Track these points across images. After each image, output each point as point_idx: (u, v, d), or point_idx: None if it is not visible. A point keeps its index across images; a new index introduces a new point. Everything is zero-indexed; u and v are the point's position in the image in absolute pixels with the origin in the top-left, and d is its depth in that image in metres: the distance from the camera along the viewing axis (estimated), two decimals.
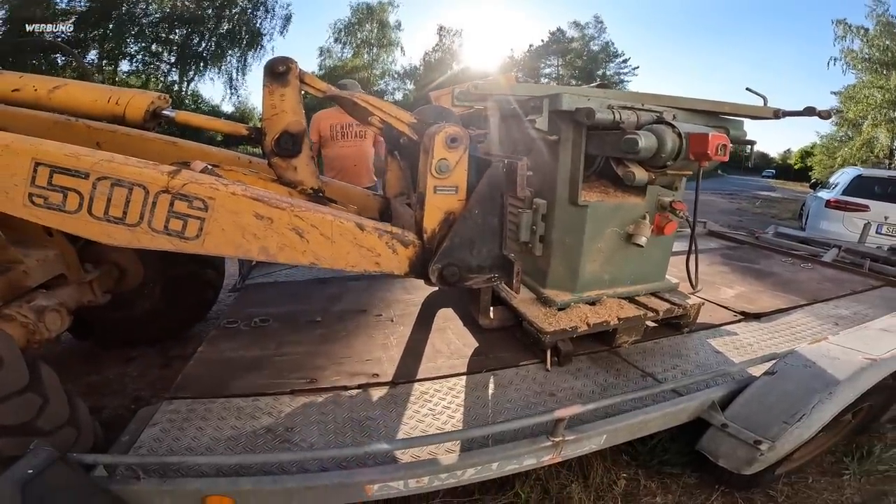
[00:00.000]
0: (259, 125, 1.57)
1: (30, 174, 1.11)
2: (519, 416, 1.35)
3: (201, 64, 20.62)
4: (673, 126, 1.44)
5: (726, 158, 1.39)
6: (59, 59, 16.90)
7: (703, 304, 2.01)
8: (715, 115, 1.80)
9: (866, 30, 16.22)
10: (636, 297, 1.89)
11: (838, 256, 3.35)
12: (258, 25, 21.29)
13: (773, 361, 1.59)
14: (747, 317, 2.17)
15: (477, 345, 1.84)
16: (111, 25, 17.83)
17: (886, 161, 16.00)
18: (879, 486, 1.71)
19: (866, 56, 16.28)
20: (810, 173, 22.87)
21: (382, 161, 3.60)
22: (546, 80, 31.80)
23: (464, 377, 1.61)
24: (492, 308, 1.94)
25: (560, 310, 1.74)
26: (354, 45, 25.72)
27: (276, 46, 21.76)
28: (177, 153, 1.83)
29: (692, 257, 1.82)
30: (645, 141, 1.40)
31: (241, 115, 23.22)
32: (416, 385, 1.56)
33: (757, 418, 1.41)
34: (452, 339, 1.89)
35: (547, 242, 1.78)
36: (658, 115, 1.56)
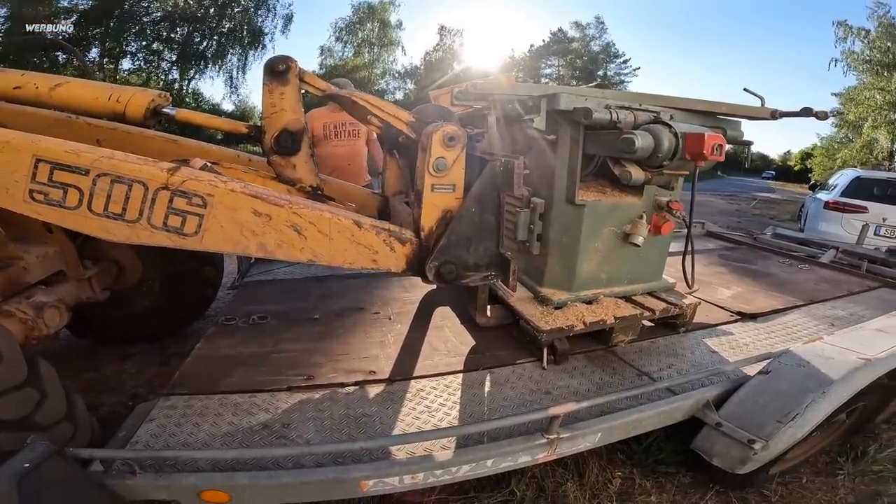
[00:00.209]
0: (259, 123, 1.58)
1: (30, 170, 1.12)
2: (514, 414, 1.36)
3: (202, 63, 20.65)
4: (669, 126, 1.45)
5: (722, 158, 1.40)
6: (61, 57, 16.92)
7: (700, 304, 2.02)
8: (712, 115, 1.80)
9: (867, 31, 16.23)
10: (633, 297, 1.90)
11: (836, 258, 3.35)
12: (260, 24, 21.34)
13: (768, 361, 1.60)
14: (744, 317, 2.18)
15: (474, 343, 1.85)
16: (112, 23, 17.84)
17: (886, 163, 16.00)
18: (873, 486, 1.72)
19: (867, 58, 16.28)
20: (810, 175, 22.87)
21: (375, 160, 3.61)
22: (546, 80, 31.81)
23: (460, 375, 1.62)
24: (489, 306, 1.95)
25: (557, 308, 1.75)
26: (355, 44, 25.74)
27: (278, 45, 21.85)
28: (177, 151, 1.84)
29: (688, 257, 1.82)
30: (641, 141, 1.41)
31: (241, 114, 23.24)
32: (413, 382, 1.57)
33: (751, 417, 1.42)
34: (449, 336, 1.90)
35: (544, 241, 1.79)
36: (655, 115, 1.57)
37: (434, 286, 1.88)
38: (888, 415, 1.98)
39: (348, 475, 1.14)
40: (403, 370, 1.63)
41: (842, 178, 6.11)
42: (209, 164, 1.47)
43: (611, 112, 1.49)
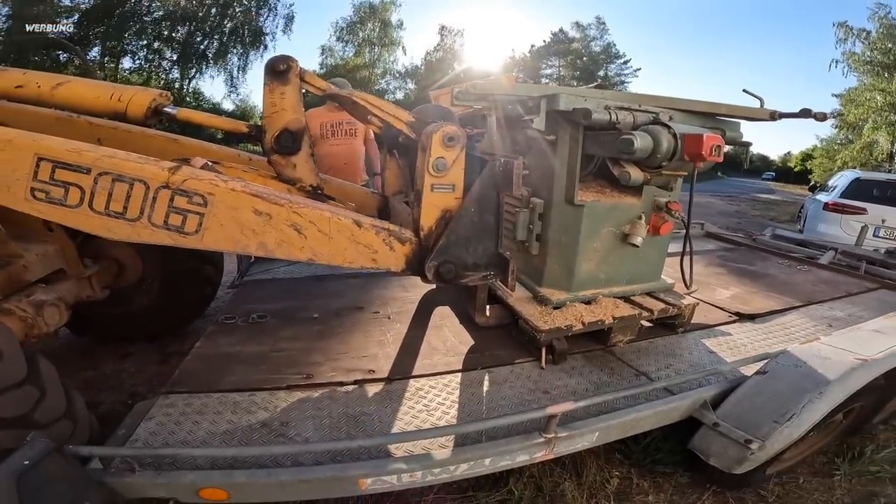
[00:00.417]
0: (259, 123, 1.58)
1: (32, 169, 1.12)
2: (512, 413, 1.36)
3: (203, 62, 20.66)
4: (668, 127, 1.46)
5: (720, 159, 1.41)
6: (62, 56, 16.92)
7: (698, 304, 2.03)
8: (712, 116, 1.81)
9: (868, 32, 16.25)
10: (631, 297, 1.90)
11: (835, 259, 3.36)
12: (261, 24, 21.34)
13: (766, 361, 1.60)
14: (742, 317, 2.19)
15: (473, 342, 1.85)
16: (113, 22, 17.84)
17: (886, 164, 16.01)
18: (870, 486, 1.72)
19: (868, 59, 16.30)
20: (810, 176, 22.88)
21: (372, 160, 3.61)
22: (546, 80, 31.81)
23: (459, 374, 1.62)
24: (488, 306, 1.96)
25: (556, 308, 1.76)
26: (356, 43, 25.73)
27: (279, 45, 21.85)
28: (177, 150, 1.85)
29: (687, 258, 1.83)
30: (640, 141, 1.41)
31: (241, 113, 23.24)
32: (412, 381, 1.57)
33: (748, 417, 1.42)
34: (448, 336, 1.90)
35: (543, 241, 1.79)
36: (654, 115, 1.57)
37: (433, 286, 1.88)
38: (885, 415, 1.99)
39: (347, 473, 1.14)
40: (402, 369, 1.64)
41: (841, 180, 6.12)
42: (210, 164, 1.48)
43: (610, 113, 1.50)
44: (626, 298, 1.89)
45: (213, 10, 20.15)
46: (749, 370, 1.61)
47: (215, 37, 20.58)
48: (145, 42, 19.54)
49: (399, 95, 27.40)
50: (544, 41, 34.77)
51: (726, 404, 1.50)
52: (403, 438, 1.25)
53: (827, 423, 1.69)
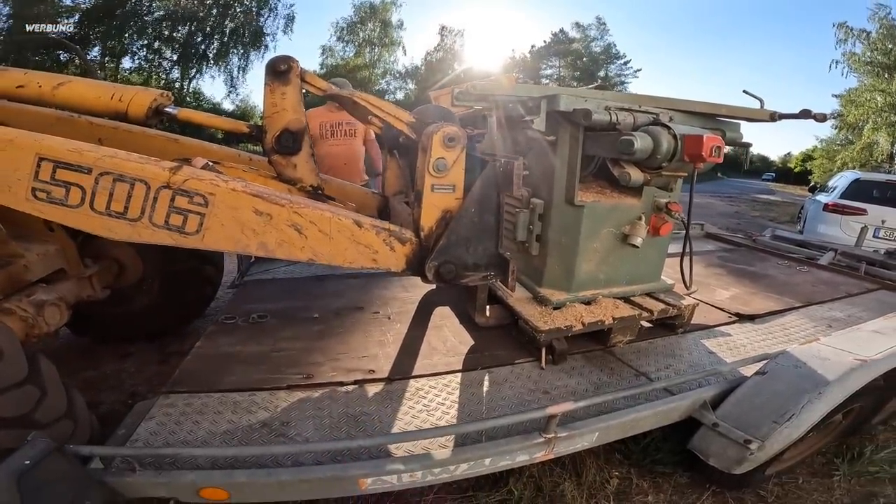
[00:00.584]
0: (260, 123, 1.59)
1: (33, 169, 1.12)
2: (512, 413, 1.36)
3: (204, 62, 20.67)
4: (668, 128, 1.46)
5: (720, 160, 1.41)
6: (63, 56, 16.93)
7: (698, 305, 2.03)
8: (712, 117, 1.81)
9: (868, 33, 16.25)
10: (631, 298, 1.90)
11: (835, 259, 3.36)
12: (261, 25, 21.36)
13: (765, 362, 1.61)
14: (741, 318, 2.19)
15: (473, 342, 1.85)
16: (114, 22, 17.85)
17: (886, 165, 16.01)
18: (869, 487, 1.73)
19: (868, 59, 16.31)
20: (810, 177, 22.89)
21: (373, 160, 3.61)
22: (547, 80, 31.81)
23: (459, 374, 1.63)
24: (488, 306, 1.96)
25: (555, 309, 1.76)
26: (356, 43, 25.77)
27: (279, 45, 21.87)
28: (178, 150, 1.85)
29: (687, 258, 1.83)
30: (640, 142, 1.41)
31: (242, 114, 23.26)
32: (412, 381, 1.58)
33: (747, 418, 1.43)
34: (448, 336, 1.90)
35: (543, 242, 1.80)
36: (654, 116, 1.57)
37: (433, 286, 1.89)
38: (884, 416, 1.99)
39: (347, 473, 1.14)
40: (402, 369, 1.64)
41: (841, 181, 6.12)
42: (210, 164, 1.48)
43: (610, 113, 1.50)
44: (626, 299, 1.89)
45: (214, 11, 20.20)
46: (749, 371, 1.62)
47: (216, 37, 20.62)
48: (146, 42, 19.59)
49: (399, 96, 27.43)
50: (544, 41, 34.85)
51: (726, 405, 1.50)
52: (403, 438, 1.26)
53: (826, 424, 1.70)
